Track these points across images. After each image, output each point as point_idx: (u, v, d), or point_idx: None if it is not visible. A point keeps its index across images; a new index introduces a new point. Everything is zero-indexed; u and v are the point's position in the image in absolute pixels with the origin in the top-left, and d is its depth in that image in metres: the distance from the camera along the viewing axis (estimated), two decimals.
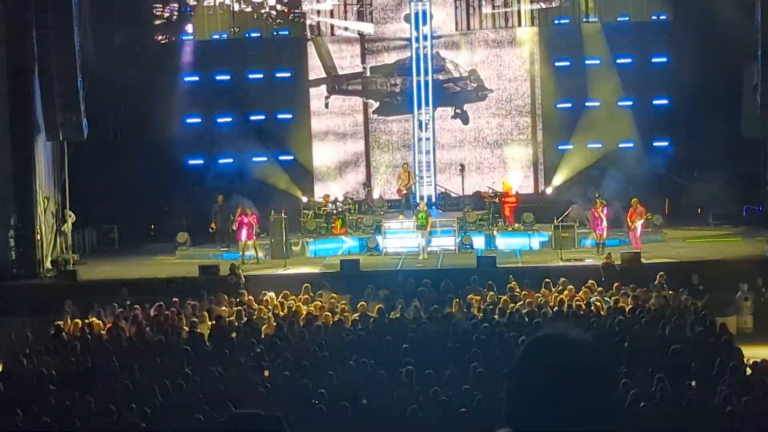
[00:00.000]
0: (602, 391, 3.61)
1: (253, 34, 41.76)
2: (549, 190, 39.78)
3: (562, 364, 3.61)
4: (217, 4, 41.24)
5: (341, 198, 39.09)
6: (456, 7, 41.50)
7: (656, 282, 28.81)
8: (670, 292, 27.94)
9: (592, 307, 26.71)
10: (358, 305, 27.66)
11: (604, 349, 3.71)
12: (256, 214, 35.41)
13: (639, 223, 34.29)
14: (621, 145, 40.32)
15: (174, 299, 28.31)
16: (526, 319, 25.80)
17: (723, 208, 39.28)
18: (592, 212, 34.62)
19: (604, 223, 34.24)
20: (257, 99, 41.60)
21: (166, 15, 41.63)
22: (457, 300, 27.97)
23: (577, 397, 3.56)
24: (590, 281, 28.85)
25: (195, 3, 41.40)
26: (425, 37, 39.76)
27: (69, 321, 27.45)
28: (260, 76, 41.72)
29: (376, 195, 40.54)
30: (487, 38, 41.67)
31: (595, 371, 3.62)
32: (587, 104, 40.78)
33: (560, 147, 40.82)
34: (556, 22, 41.56)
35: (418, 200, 37.58)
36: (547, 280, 29.31)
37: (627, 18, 41.19)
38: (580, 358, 3.64)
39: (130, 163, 39.00)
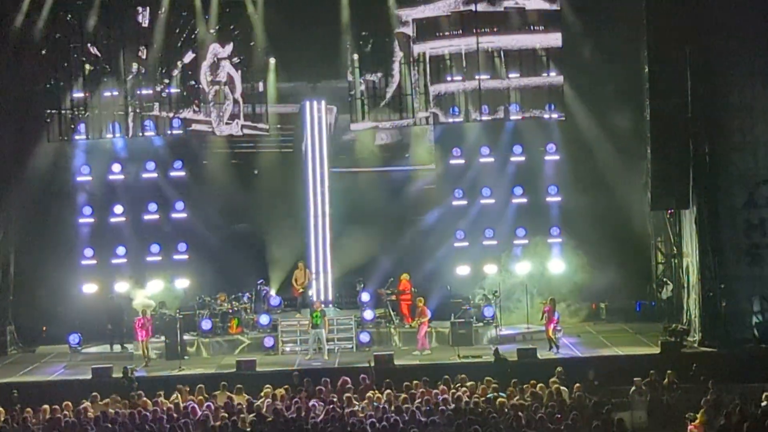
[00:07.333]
0: None
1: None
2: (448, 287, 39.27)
3: None
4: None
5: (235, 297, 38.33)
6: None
7: (554, 378, 28.90)
8: (565, 388, 27.99)
9: (491, 405, 26.68)
10: (255, 405, 27.38)
11: None
12: (151, 316, 35.11)
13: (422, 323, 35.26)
14: (515, 242, 40.48)
15: (66, 403, 27.78)
16: (423, 418, 25.70)
17: (616, 303, 39.74)
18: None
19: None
20: (152, 194, 40.82)
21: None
22: (356, 398, 27.86)
23: None
24: (487, 378, 28.85)
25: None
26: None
27: None
28: (154, 175, 40.94)
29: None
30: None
31: None
32: (482, 201, 40.76)
33: (456, 245, 40.70)
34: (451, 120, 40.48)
35: (314, 299, 37.41)
36: (445, 377, 29.29)
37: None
38: None
39: (24, 262, 38.68)
